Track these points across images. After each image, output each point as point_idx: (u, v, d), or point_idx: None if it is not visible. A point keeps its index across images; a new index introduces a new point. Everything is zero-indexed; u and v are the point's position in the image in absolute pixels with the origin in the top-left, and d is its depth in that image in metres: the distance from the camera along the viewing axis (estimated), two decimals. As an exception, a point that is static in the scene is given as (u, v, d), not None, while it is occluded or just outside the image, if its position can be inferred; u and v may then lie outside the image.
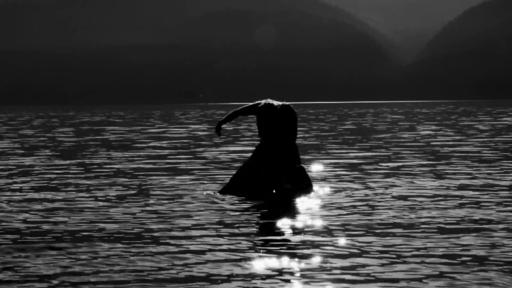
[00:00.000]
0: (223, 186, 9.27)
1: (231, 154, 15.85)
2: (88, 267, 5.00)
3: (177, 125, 37.81)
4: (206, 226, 6.72)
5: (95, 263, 5.13)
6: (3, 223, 6.92)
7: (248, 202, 8.25)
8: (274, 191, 8.74)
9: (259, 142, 8.94)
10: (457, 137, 20.69)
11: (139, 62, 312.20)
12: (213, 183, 10.17)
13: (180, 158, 14.93)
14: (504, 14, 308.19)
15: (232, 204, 8.10)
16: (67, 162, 14.12)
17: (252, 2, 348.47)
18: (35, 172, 12.14)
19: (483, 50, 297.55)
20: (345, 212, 7.43)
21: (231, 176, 9.40)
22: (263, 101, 8.95)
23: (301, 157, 8.91)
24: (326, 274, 4.84)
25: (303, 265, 5.09)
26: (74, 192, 9.29)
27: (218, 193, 8.97)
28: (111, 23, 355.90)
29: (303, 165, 8.93)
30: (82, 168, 12.73)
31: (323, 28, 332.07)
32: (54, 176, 11.45)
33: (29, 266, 5.14)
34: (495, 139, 20.47)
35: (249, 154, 9.14)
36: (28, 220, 7.18)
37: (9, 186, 10.07)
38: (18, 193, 9.25)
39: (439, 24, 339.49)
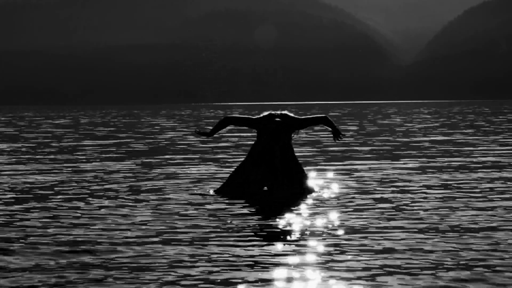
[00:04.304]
0: (219, 185, 9.17)
1: (228, 153, 15.74)
2: (84, 269, 4.99)
3: (177, 124, 37.70)
4: (200, 226, 6.63)
5: (90, 264, 5.12)
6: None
7: (243, 202, 8.14)
8: (265, 189, 8.64)
9: (255, 140, 8.82)
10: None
11: (139, 62, 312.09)
12: (209, 182, 10.06)
13: (176, 157, 14.82)
14: (504, 14, 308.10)
15: (227, 204, 8.00)
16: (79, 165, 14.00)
17: (252, 2, 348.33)
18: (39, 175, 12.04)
19: (483, 50, 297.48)
20: (342, 214, 7.34)
21: (228, 175, 9.29)
22: (266, 113, 8.77)
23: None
24: (320, 273, 4.85)
25: (297, 263, 5.12)
26: (70, 193, 9.20)
27: (213, 193, 8.86)
28: (111, 23, 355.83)
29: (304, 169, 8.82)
30: (72, 169, 12.64)
31: (323, 28, 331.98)
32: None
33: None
34: None
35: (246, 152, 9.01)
36: (31, 225, 7.07)
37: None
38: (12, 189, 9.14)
39: (439, 24, 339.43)
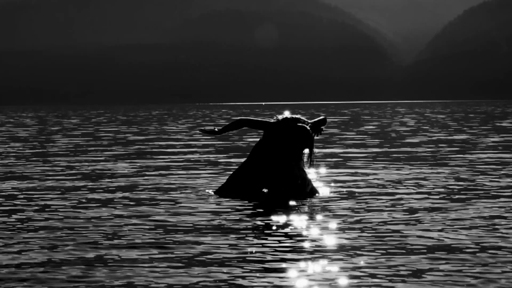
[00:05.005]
0: (218, 186, 8.94)
1: (229, 153, 15.51)
2: (83, 270, 4.97)
3: (175, 124, 37.51)
4: (199, 227, 6.43)
5: (90, 266, 5.11)
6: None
7: (243, 202, 7.91)
8: (265, 190, 8.44)
9: (258, 140, 8.62)
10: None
11: (139, 62, 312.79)
12: (208, 183, 9.82)
13: (174, 157, 14.59)
14: (504, 14, 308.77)
15: (227, 205, 7.78)
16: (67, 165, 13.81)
17: (252, 2, 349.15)
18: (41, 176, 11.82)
19: (483, 50, 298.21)
20: (343, 215, 7.09)
21: (227, 176, 9.07)
22: (280, 117, 8.52)
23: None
24: (322, 273, 4.84)
25: (299, 264, 5.10)
26: (69, 194, 8.96)
27: (213, 193, 8.65)
28: (111, 23, 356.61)
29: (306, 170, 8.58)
30: (72, 169, 12.44)
31: (323, 28, 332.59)
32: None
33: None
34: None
35: (248, 152, 8.76)
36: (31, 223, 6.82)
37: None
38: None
39: (439, 24, 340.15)
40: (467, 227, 6.33)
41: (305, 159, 8.41)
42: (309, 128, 8.37)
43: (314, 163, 8.54)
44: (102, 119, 49.38)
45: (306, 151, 8.43)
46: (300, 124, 8.37)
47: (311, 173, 8.74)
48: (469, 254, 5.34)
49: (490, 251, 5.44)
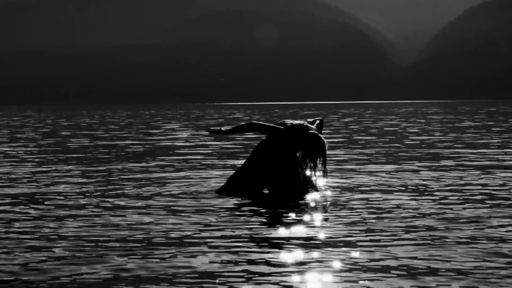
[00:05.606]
0: (220, 186, 8.95)
1: (229, 153, 15.51)
2: (86, 268, 4.98)
3: (173, 124, 37.49)
4: (202, 227, 6.45)
5: (93, 265, 5.11)
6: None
7: (246, 202, 7.92)
8: (266, 191, 8.47)
9: (260, 141, 8.62)
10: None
11: (139, 62, 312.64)
12: (210, 182, 9.82)
13: (175, 157, 14.59)
14: (504, 14, 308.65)
15: (227, 205, 7.79)
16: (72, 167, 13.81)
17: (252, 2, 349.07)
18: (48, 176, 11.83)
19: (483, 50, 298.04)
20: (347, 216, 7.09)
21: (229, 175, 9.08)
22: (287, 122, 8.52)
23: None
24: (325, 274, 4.82)
25: (300, 264, 5.10)
26: (73, 195, 8.97)
27: (215, 193, 8.66)
28: (111, 23, 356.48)
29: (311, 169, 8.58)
30: (78, 171, 12.45)
31: (323, 28, 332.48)
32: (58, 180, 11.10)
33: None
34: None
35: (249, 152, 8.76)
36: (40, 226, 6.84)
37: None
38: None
39: (439, 24, 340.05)
40: (480, 233, 6.16)
41: (319, 166, 8.37)
42: (322, 137, 8.36)
43: (327, 170, 8.51)
44: (100, 120, 49.41)
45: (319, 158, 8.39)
46: (312, 131, 8.34)
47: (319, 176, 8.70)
48: (483, 262, 5.16)
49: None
